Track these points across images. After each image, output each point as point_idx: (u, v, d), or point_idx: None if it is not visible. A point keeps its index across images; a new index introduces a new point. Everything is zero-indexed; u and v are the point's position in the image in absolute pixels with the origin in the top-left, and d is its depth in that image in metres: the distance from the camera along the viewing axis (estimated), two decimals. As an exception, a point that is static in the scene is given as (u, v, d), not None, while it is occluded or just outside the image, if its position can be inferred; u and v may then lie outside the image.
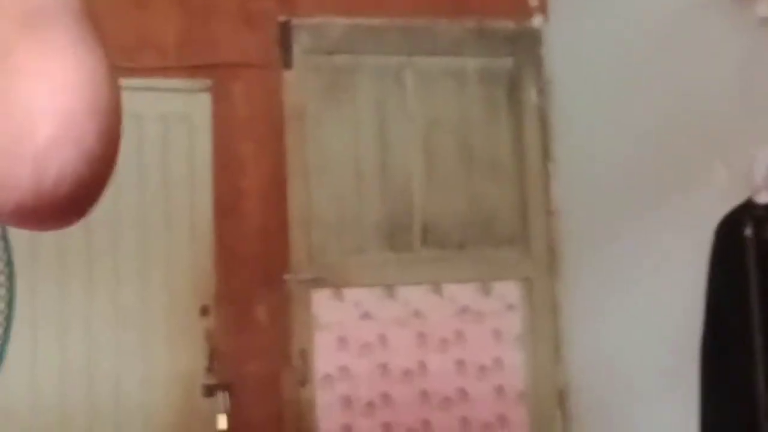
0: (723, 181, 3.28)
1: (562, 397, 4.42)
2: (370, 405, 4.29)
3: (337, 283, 4.30)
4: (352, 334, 4.31)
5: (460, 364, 4.40)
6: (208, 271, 4.14)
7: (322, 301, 4.28)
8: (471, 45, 4.56)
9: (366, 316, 4.33)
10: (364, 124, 4.45)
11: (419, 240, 4.44)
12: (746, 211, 3.03)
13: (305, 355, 4.22)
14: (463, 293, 4.44)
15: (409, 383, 4.34)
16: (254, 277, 4.20)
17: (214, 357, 4.11)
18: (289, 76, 4.35)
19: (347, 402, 4.28)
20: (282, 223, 4.25)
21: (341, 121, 4.42)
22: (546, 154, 4.55)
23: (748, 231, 2.91)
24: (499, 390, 4.42)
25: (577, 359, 4.36)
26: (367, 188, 4.41)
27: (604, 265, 4.14)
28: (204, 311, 4.12)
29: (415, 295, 4.39)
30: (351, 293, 4.33)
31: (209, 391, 4.10)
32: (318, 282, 4.26)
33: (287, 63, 4.35)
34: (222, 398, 4.09)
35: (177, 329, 4.09)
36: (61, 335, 3.96)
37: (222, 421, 4.07)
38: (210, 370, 4.11)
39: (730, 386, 3.03)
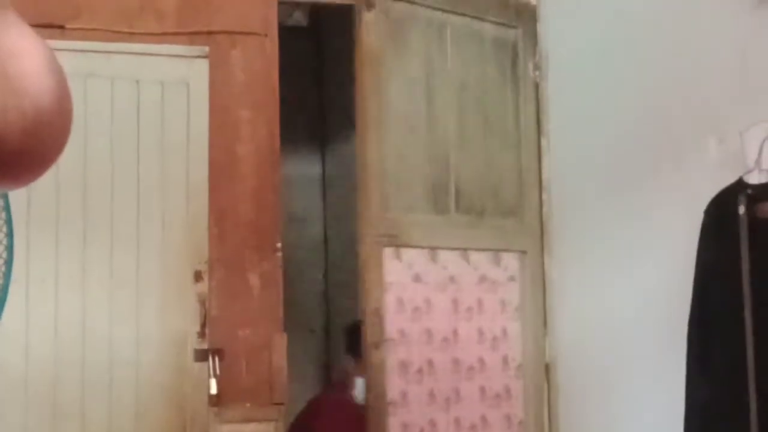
0: (716, 159, 3.32)
1: (549, 369, 4.46)
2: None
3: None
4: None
5: (480, 333, 4.38)
6: (202, 237, 4.16)
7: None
8: (492, 10, 4.54)
9: (417, 278, 4.27)
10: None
11: (454, 203, 4.38)
12: (738, 190, 3.06)
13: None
14: (482, 261, 4.41)
15: (445, 350, 4.30)
16: (247, 244, 4.23)
17: (206, 322, 4.14)
18: (286, 44, 4.36)
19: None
20: (276, 191, 4.27)
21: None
22: (539, 128, 4.58)
23: (741, 209, 2.95)
24: (505, 360, 4.43)
25: (566, 332, 4.41)
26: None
27: (594, 239, 4.18)
28: (197, 276, 4.14)
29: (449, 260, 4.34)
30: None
31: (201, 355, 4.13)
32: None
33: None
34: (213, 363, 4.12)
35: (170, 293, 4.11)
36: (55, 295, 3.98)
37: (213, 386, 4.11)
38: (202, 334, 4.14)
39: (719, 361, 3.07)
